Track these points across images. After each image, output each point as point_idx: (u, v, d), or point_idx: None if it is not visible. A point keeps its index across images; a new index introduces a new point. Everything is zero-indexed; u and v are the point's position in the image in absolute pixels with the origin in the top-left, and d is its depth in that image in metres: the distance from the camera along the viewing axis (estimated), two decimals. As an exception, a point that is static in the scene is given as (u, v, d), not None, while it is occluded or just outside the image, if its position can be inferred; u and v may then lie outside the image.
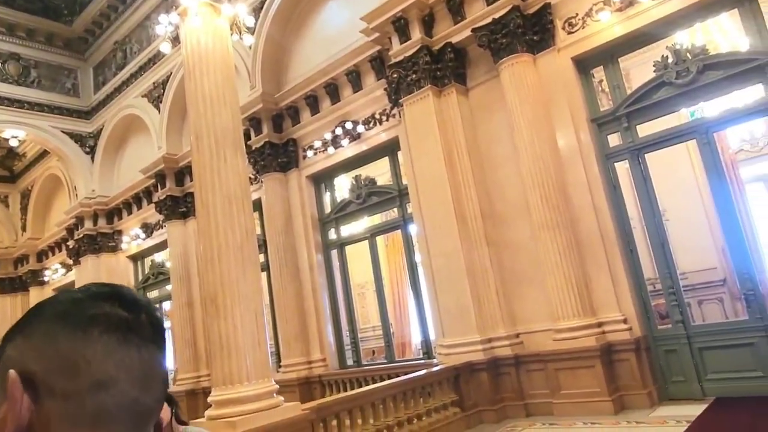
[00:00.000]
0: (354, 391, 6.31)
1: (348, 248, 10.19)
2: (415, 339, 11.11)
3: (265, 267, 10.36)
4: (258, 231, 10.99)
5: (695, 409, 5.70)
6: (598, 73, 7.56)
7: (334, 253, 10.01)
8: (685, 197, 9.12)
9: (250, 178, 10.70)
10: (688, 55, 6.48)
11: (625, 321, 6.51)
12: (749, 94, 6.45)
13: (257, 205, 10.59)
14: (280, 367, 9.73)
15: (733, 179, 8.68)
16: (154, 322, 0.67)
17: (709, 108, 6.76)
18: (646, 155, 6.84)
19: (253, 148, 10.28)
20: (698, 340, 6.28)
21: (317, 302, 9.73)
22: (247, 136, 10.35)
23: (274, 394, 4.99)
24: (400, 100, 8.21)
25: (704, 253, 9.09)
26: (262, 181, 10.40)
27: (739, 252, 6.48)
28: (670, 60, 6.59)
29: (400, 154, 8.89)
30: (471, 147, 7.76)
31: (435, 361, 7.65)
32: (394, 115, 8.75)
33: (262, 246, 10.46)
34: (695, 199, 9.06)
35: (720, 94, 6.40)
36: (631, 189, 7.22)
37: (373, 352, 11.79)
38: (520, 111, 7.08)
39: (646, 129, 6.91)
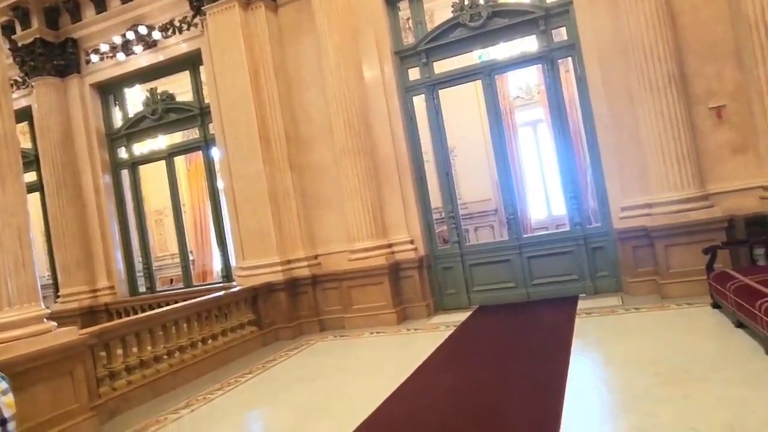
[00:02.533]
0: (143, 314, 5.98)
1: (145, 172, 9.37)
2: (218, 266, 10.85)
3: (39, 187, 9.06)
4: (29, 145, 9.52)
5: (462, 316, 6.65)
6: (405, 10, 7.83)
7: (125, 173, 9.13)
8: (471, 135, 10.18)
9: (17, 80, 9.15)
10: (480, 0, 7.04)
11: (411, 242, 7.17)
12: (526, 43, 7.30)
13: (27, 115, 9.10)
14: (58, 297, 8.77)
15: (509, 122, 9.91)
16: None
17: (495, 52, 7.50)
18: (440, 91, 7.40)
19: (20, 44, 8.65)
20: (469, 258, 7.24)
21: (104, 227, 8.88)
22: (12, 30, 8.68)
23: (45, 320, 4.48)
24: (203, 8, 7.56)
25: (483, 186, 10.38)
26: (32, 86, 8.86)
27: (506, 184, 7.49)
28: (466, 3, 7.09)
29: (202, 69, 8.28)
30: (278, 67, 7.54)
31: (234, 283, 7.60)
32: (196, 25, 8.04)
33: (34, 162, 9.08)
34: (479, 138, 10.17)
35: (504, 40, 7.12)
36: (426, 122, 7.77)
37: (171, 280, 11.26)
38: (329, 35, 7.06)
39: (442, 66, 7.43)
